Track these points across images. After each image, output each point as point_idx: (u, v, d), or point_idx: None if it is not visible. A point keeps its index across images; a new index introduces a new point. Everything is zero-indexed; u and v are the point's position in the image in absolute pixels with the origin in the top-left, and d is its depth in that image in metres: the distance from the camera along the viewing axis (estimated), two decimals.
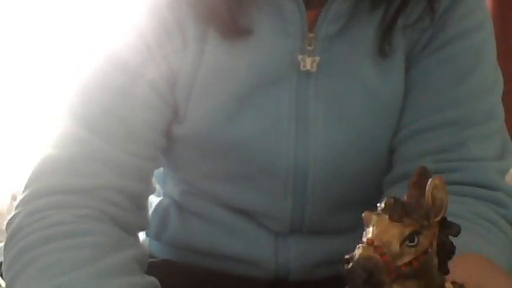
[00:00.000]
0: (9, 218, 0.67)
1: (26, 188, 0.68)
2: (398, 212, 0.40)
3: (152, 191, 0.76)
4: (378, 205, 0.41)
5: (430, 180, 0.40)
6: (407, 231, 0.39)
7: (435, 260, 0.42)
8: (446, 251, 0.43)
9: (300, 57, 0.71)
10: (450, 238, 0.43)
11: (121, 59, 0.69)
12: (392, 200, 0.40)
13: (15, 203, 0.67)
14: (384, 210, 0.40)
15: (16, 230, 0.65)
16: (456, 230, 0.43)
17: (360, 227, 0.78)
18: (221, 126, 0.72)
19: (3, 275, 0.65)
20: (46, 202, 0.66)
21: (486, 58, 0.76)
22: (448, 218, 0.43)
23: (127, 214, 0.69)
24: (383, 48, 0.73)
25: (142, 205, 0.73)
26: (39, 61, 1.61)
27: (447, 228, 0.42)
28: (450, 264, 0.43)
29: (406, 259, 0.39)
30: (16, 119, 1.63)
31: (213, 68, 0.71)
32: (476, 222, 0.67)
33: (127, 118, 0.69)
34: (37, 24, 1.60)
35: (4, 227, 0.66)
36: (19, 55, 1.62)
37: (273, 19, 0.71)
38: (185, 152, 0.76)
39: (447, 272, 0.43)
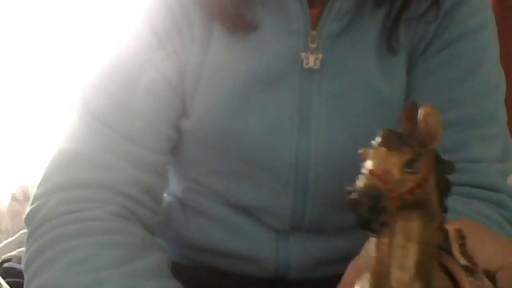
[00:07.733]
0: (29, 208, 0.68)
1: (45, 180, 0.69)
2: (394, 141, 0.41)
3: (167, 186, 0.77)
4: (374, 140, 0.42)
5: (422, 108, 0.42)
6: (405, 158, 0.41)
7: (434, 195, 0.43)
8: (443, 189, 0.43)
9: (303, 54, 0.72)
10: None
11: (132, 52, 0.71)
12: (387, 131, 0.42)
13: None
14: (381, 143, 0.42)
15: (47, 217, 0.65)
16: (451, 167, 0.44)
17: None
18: (224, 121, 0.73)
19: (23, 262, 0.65)
20: (74, 195, 0.67)
21: (489, 58, 0.76)
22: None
23: (148, 213, 0.71)
24: (389, 45, 0.73)
25: (159, 200, 0.74)
26: (39, 62, 1.59)
27: (442, 166, 0.43)
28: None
29: (408, 186, 0.40)
30: (16, 119, 1.60)
31: (217, 64, 0.72)
32: (480, 221, 0.67)
33: (140, 110, 0.70)
34: (46, 17, 1.57)
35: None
36: (19, 54, 1.59)
37: (276, 16, 0.72)
38: (189, 147, 0.77)
39: (446, 210, 0.44)
